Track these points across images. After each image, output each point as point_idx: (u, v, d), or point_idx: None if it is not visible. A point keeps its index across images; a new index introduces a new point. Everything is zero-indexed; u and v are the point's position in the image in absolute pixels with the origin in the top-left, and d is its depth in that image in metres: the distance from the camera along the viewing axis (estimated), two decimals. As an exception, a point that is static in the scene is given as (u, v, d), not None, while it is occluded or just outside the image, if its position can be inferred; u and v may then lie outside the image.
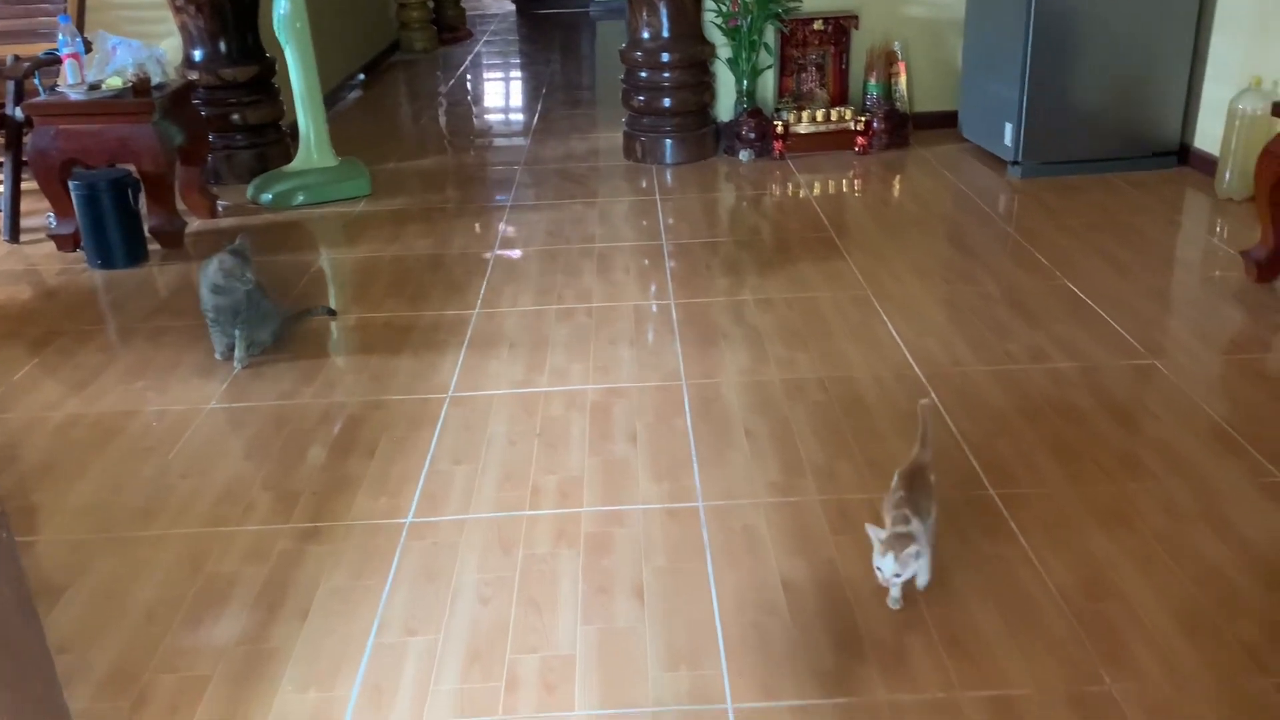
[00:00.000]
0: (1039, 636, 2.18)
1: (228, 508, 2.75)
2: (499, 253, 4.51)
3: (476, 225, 4.88)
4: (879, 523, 2.31)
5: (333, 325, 3.86)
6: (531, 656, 2.20)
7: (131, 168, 4.54)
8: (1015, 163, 5.16)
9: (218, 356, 3.56)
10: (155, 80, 4.59)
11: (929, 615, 2.24)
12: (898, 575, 2.18)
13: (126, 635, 2.30)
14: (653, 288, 4.07)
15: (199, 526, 2.67)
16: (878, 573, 2.20)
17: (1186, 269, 4.11)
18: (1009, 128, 5.13)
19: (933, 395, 3.14)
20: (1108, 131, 5.08)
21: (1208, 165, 4.93)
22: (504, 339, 3.68)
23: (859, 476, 2.76)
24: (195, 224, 4.96)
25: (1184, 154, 5.14)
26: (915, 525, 2.23)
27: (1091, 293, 3.81)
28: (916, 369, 3.32)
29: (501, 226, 4.85)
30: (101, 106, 4.44)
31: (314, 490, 2.81)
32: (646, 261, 4.34)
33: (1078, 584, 2.32)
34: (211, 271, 3.43)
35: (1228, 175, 4.65)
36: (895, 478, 2.40)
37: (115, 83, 4.52)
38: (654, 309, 3.88)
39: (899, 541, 2.18)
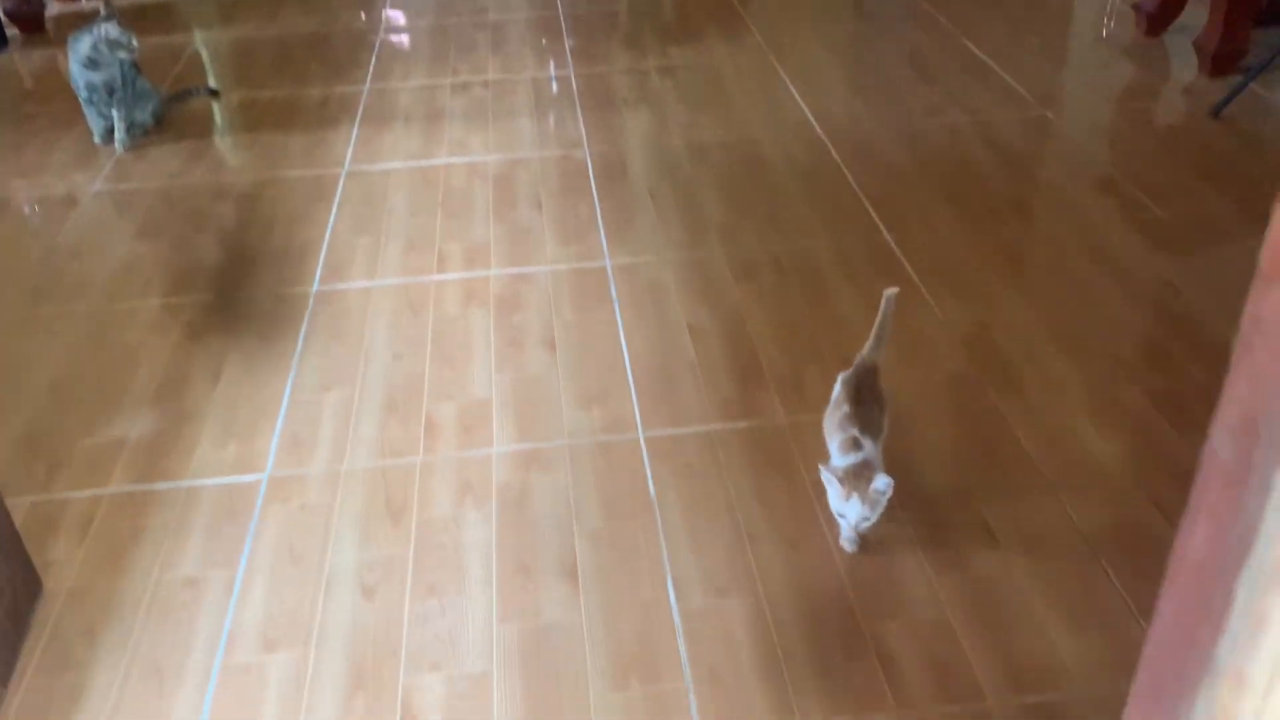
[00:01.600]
0: (933, 367, 2.31)
1: (126, 284, 2.68)
2: (388, 25, 4.31)
3: (360, 1, 4.63)
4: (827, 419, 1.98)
5: (215, 106, 3.68)
6: (448, 404, 2.25)
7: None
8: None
9: (97, 140, 3.39)
10: None
11: (827, 350, 2.35)
12: (867, 519, 1.76)
13: (34, 408, 2.28)
14: (551, 60, 3.96)
15: (98, 303, 2.61)
16: (841, 520, 1.79)
17: (1081, 24, 4.15)
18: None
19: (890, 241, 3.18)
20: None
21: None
22: (398, 114, 3.57)
23: (761, 232, 2.81)
24: (55, 7, 4.60)
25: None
26: (869, 448, 1.81)
27: (989, 50, 3.84)
28: (817, 128, 3.34)
29: (387, 3, 4.61)
30: None
31: (213, 265, 2.75)
32: (543, 35, 4.20)
33: (968, 318, 2.45)
34: (84, 46, 3.21)
35: (1124, -67, 4.63)
36: (838, 386, 1.97)
37: None
38: (553, 80, 3.78)
39: (860, 477, 1.74)
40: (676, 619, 1.76)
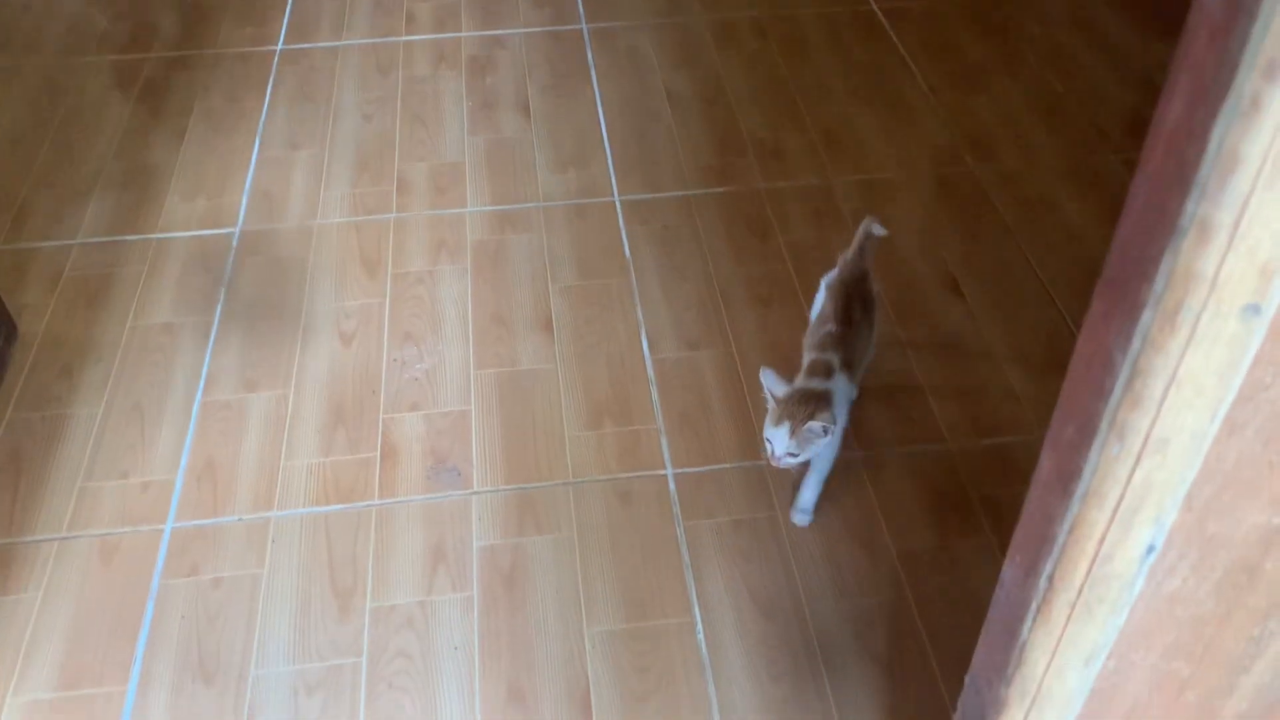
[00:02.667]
0: (911, 131, 2.28)
1: (81, 39, 2.57)
2: None
3: None
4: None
5: None
6: (420, 164, 2.21)
7: None
8: None
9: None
10: None
11: (808, 117, 2.31)
12: (792, 456, 1.47)
13: (-7, 161, 2.22)
14: None
15: (52, 57, 2.51)
16: (766, 444, 1.49)
17: None
18: None
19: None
20: None
21: None
22: None
23: (744, -3, 2.71)
24: None
25: None
26: (837, 381, 1.53)
27: None
28: (806, -107, 3.17)
29: None
30: None
31: (173, 23, 2.63)
32: None
33: (950, 84, 2.41)
34: None
35: None
36: (822, 292, 1.66)
37: None
38: None
39: (802, 406, 1.45)
40: (649, 368, 1.80)
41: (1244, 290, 0.51)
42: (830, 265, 1.67)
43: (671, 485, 1.63)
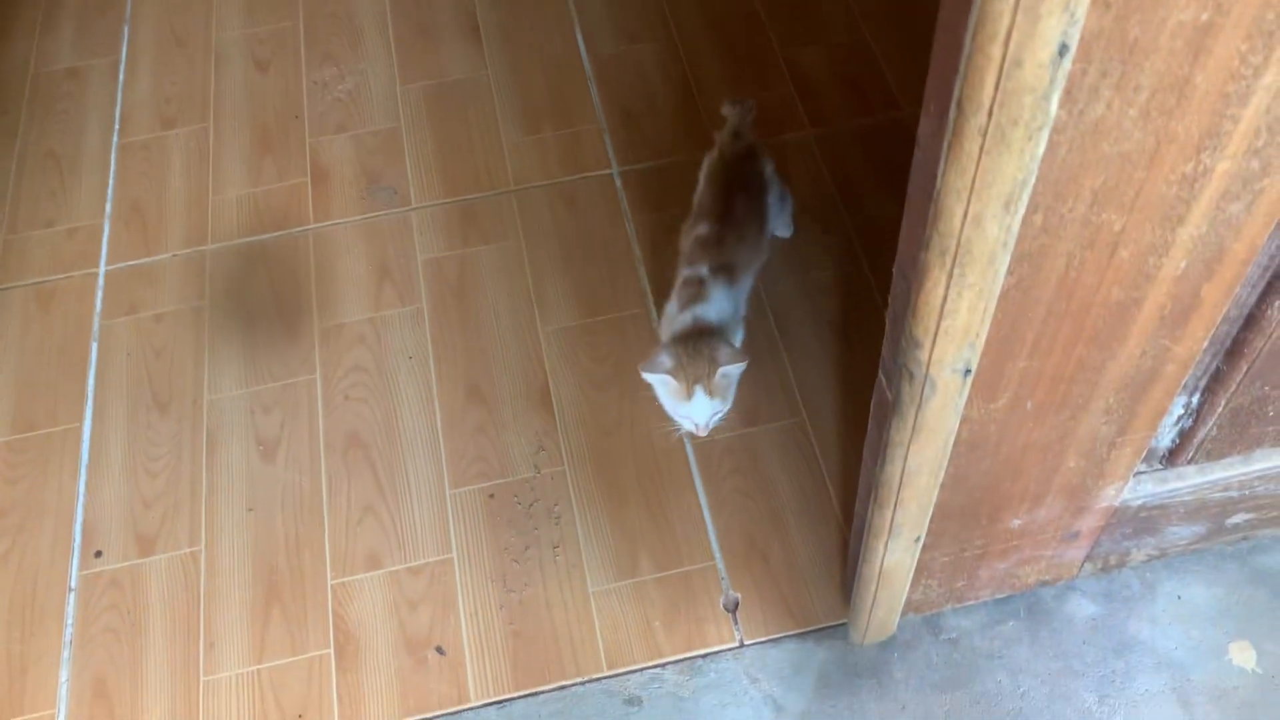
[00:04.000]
0: None
1: None
2: None
3: None
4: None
5: None
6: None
7: None
8: None
9: None
10: None
11: None
12: (718, 414, 1.20)
13: None
14: None
15: None
16: (684, 423, 1.22)
17: None
18: None
19: None
20: None
21: None
22: None
23: None
24: None
25: None
26: (715, 301, 1.22)
27: None
28: None
29: None
30: None
31: None
32: None
33: None
34: None
35: None
36: (701, 183, 1.33)
37: None
38: None
39: (698, 357, 1.16)
40: (587, 66, 1.69)
41: None
42: None
43: (618, 183, 1.56)
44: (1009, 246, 0.65)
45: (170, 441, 1.35)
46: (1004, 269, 0.67)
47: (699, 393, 1.15)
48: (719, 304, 1.21)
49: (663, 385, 1.17)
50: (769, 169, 1.34)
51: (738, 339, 1.26)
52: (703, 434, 1.21)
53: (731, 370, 1.16)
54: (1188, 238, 0.70)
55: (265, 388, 1.39)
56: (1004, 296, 0.71)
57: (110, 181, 1.60)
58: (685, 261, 1.25)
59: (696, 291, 1.21)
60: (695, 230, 1.26)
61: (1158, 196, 0.66)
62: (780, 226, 1.43)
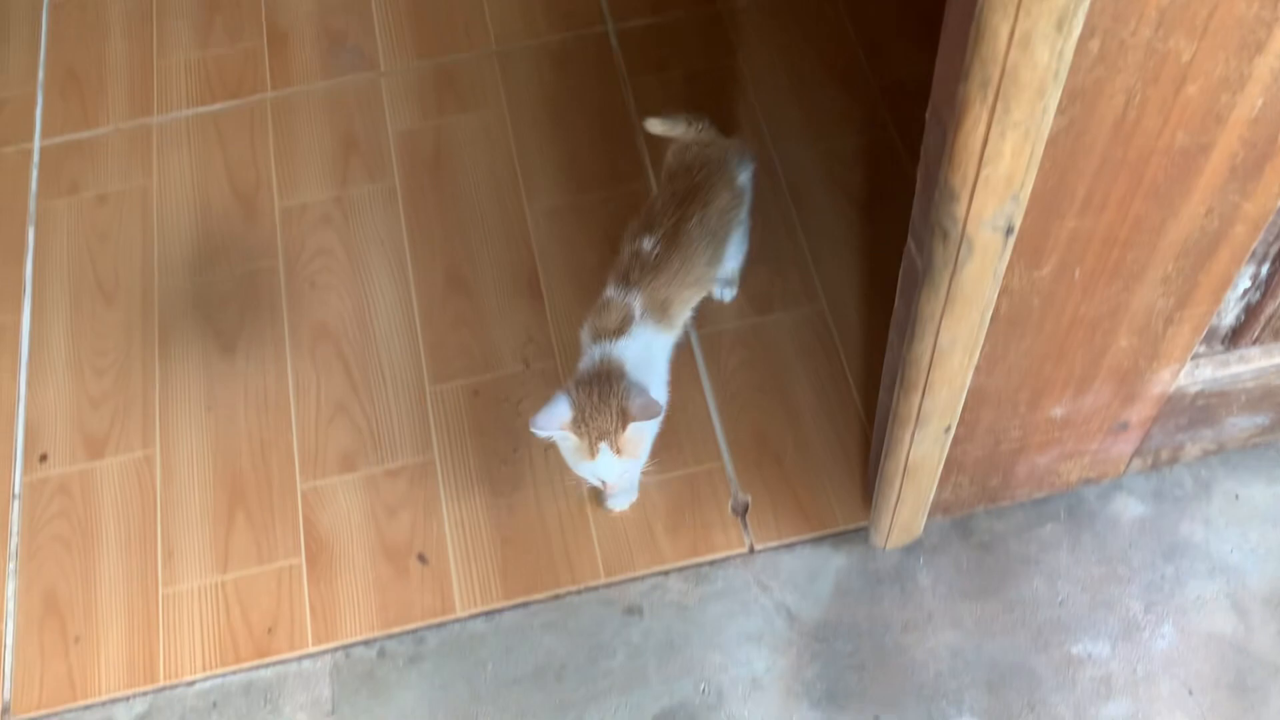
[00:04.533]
0: None
1: None
2: None
3: None
4: None
5: None
6: None
7: None
8: None
9: None
10: None
11: None
12: (628, 471, 1.01)
13: None
14: None
15: None
16: (591, 482, 1.02)
17: None
18: None
19: None
20: None
21: None
22: None
23: None
24: None
25: None
26: (636, 337, 1.00)
27: None
28: None
29: None
30: None
31: None
32: None
33: None
34: None
35: None
36: (663, 177, 1.12)
37: None
38: None
39: (604, 411, 0.94)
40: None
41: None
42: None
43: (614, 41, 1.40)
44: (1060, 78, 0.52)
45: (118, 334, 1.22)
46: (1054, 105, 0.54)
47: (604, 451, 0.94)
48: (639, 349, 0.99)
49: (563, 440, 0.96)
50: (745, 176, 1.09)
51: (659, 380, 1.03)
52: (611, 493, 1.04)
53: (647, 425, 0.96)
54: (1267, 70, 0.57)
55: (221, 275, 1.25)
56: (1053, 141, 0.58)
57: (42, 45, 1.43)
58: (616, 276, 1.02)
59: (619, 323, 0.99)
60: (639, 241, 1.03)
61: (1235, 17, 0.53)
62: (726, 274, 1.15)
